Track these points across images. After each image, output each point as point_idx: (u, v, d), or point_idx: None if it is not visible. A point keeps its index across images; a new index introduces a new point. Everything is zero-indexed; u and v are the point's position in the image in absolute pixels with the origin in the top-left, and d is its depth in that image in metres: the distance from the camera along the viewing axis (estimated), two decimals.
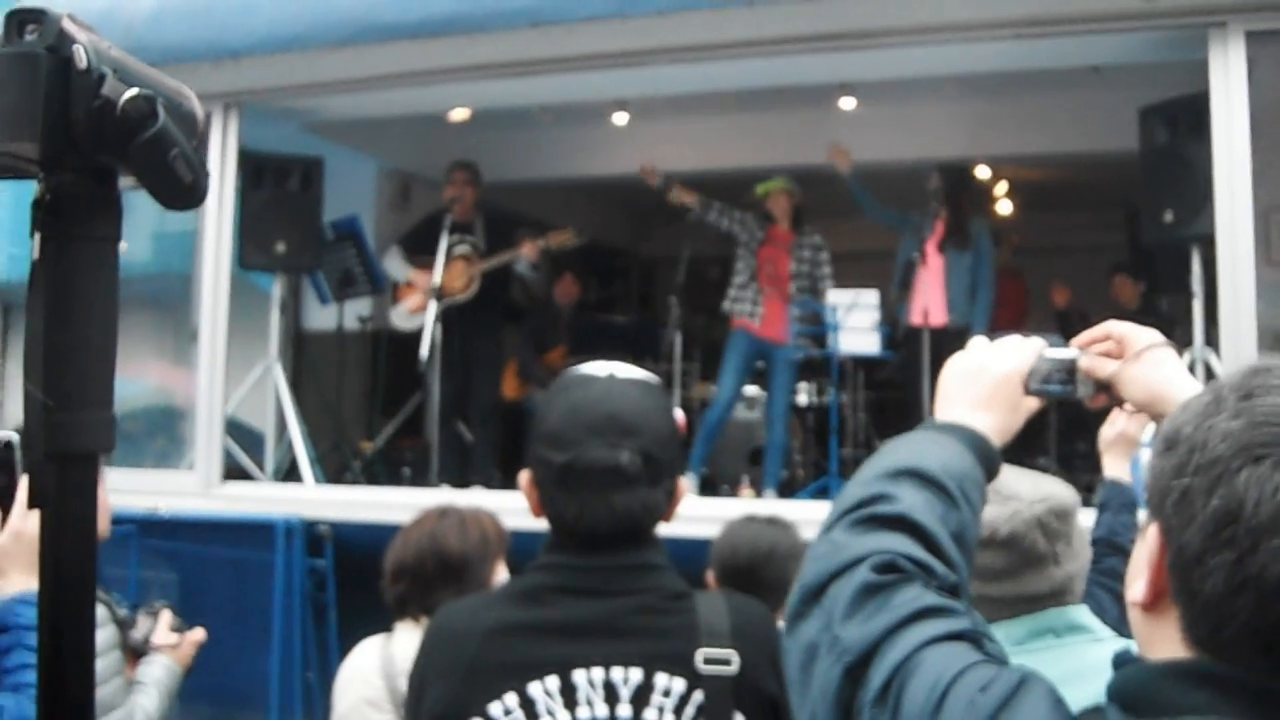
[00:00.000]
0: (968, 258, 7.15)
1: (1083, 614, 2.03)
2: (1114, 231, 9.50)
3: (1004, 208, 10.77)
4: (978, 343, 1.61)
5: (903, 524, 1.30)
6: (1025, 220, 10.65)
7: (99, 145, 0.97)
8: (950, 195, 7.22)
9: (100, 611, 2.88)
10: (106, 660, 2.86)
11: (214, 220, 6.96)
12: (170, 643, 3.11)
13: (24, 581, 2.40)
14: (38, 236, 1.00)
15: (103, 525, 3.17)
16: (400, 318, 7.88)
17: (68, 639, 1.02)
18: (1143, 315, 7.58)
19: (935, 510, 1.32)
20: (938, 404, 1.56)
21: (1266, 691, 1.00)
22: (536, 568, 1.96)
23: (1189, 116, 5.74)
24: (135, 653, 3.07)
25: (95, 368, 1.03)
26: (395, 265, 7.90)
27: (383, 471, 8.12)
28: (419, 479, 7.60)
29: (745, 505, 6.30)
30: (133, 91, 0.96)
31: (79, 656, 1.03)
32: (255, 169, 7.37)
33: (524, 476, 1.99)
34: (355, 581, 5.98)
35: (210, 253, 6.97)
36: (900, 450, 1.43)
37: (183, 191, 1.02)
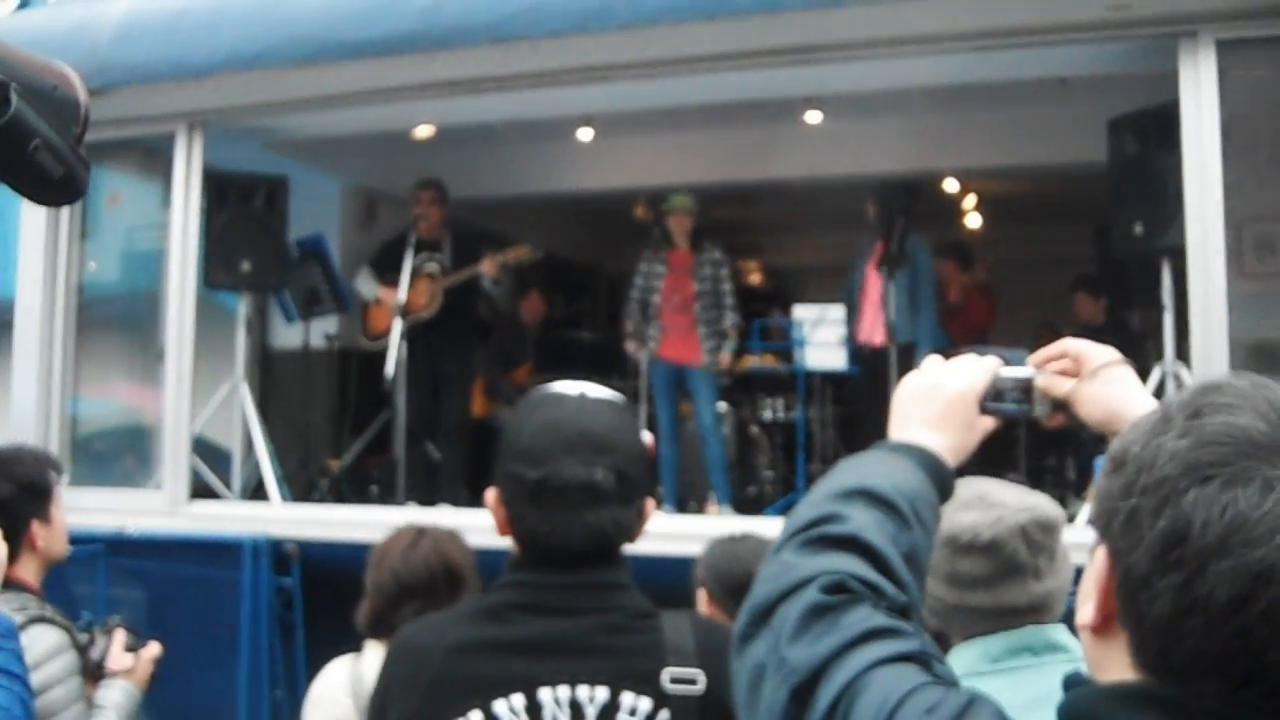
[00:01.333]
0: (904, 277, 7.10)
1: (1061, 633, 2.01)
2: (1084, 245, 9.52)
3: (973, 221, 10.79)
4: (932, 361, 1.60)
5: (853, 544, 1.28)
6: (994, 234, 10.68)
7: None
8: (884, 216, 7.19)
9: (59, 638, 2.85)
10: (67, 687, 2.84)
11: (179, 240, 6.93)
12: (125, 666, 3.07)
13: None
14: None
15: (60, 547, 3.14)
16: (368, 338, 7.83)
17: None
18: (1108, 330, 7.58)
19: (886, 530, 1.31)
20: (892, 423, 1.54)
21: (1215, 715, 0.98)
22: (502, 585, 1.96)
23: (1159, 127, 5.69)
24: (92, 674, 3.03)
25: None
26: (365, 285, 7.89)
27: (350, 490, 8.07)
28: (386, 497, 7.55)
29: (712, 522, 6.28)
30: None
31: None
32: (220, 188, 7.32)
33: (491, 494, 1.98)
34: (322, 600, 5.97)
35: (175, 272, 6.92)
36: (852, 470, 1.42)
37: (52, 185, 0.93)
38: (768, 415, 8.23)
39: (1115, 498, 1.05)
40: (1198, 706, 0.98)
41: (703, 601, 3.22)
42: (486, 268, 7.63)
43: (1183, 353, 5.60)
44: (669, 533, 5.21)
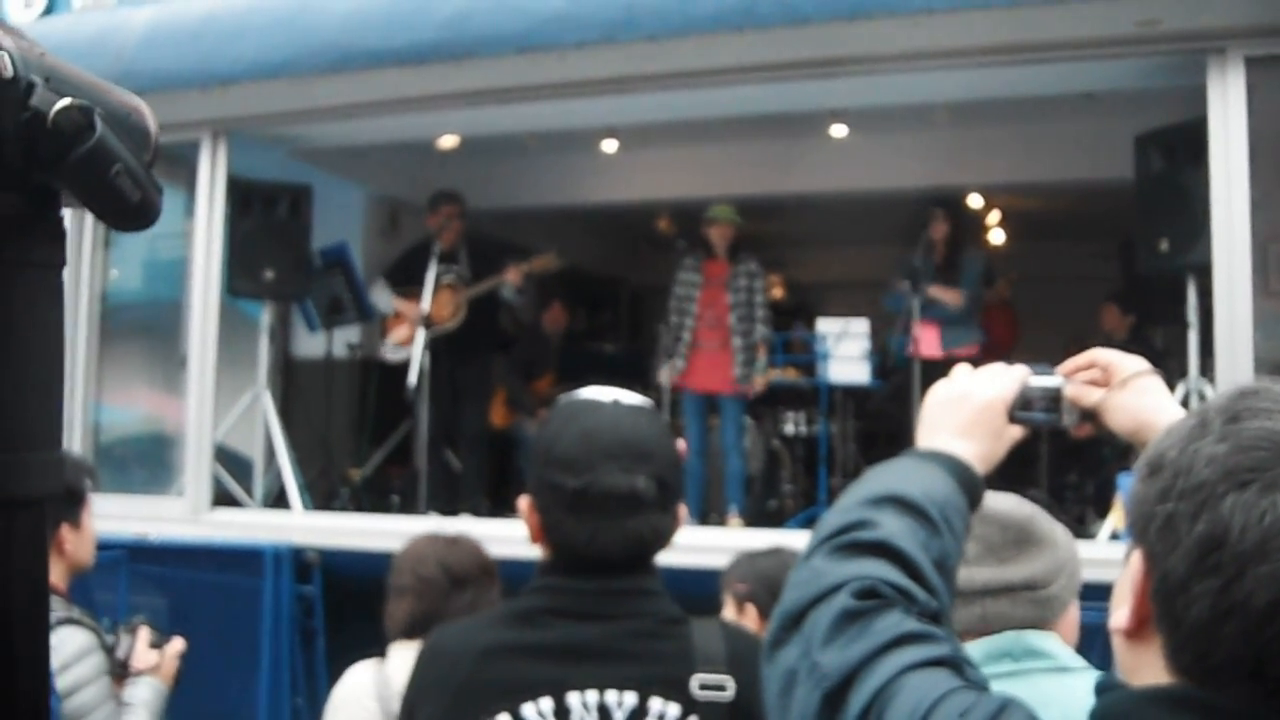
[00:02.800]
0: (958, 285, 7.15)
1: (1045, 640, 1.97)
2: (1108, 262, 9.48)
3: (997, 237, 10.75)
4: (961, 370, 1.59)
5: (883, 550, 1.28)
6: (1019, 250, 10.63)
7: (30, 162, 0.88)
8: (951, 231, 7.25)
9: (88, 639, 2.85)
10: (97, 687, 2.85)
11: (203, 248, 6.96)
12: (151, 663, 3.08)
13: None
14: None
15: (87, 554, 3.14)
16: (389, 350, 7.87)
17: (21, 703, 0.94)
18: (1132, 346, 7.51)
19: (917, 537, 1.31)
20: (920, 431, 1.54)
21: (1251, 718, 0.98)
22: (532, 590, 1.96)
23: (1186, 144, 5.66)
24: (117, 674, 3.04)
25: (40, 405, 0.94)
26: (382, 298, 7.91)
27: (370, 499, 8.07)
28: (407, 507, 7.55)
29: (734, 535, 6.27)
30: (66, 101, 0.88)
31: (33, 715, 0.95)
32: (244, 196, 7.35)
33: (524, 501, 1.98)
34: (343, 608, 5.99)
35: (199, 280, 6.96)
36: (882, 477, 1.42)
37: (130, 210, 0.94)
38: (790, 429, 8.20)
39: (1152, 502, 1.04)
40: (1234, 710, 0.98)
41: (751, 617, 3.21)
42: (511, 276, 7.65)
43: (1207, 370, 5.57)
44: (692, 545, 5.23)
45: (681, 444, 2.03)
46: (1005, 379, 1.56)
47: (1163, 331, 7.92)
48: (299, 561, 6.27)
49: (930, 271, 7.27)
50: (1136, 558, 1.07)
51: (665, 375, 7.50)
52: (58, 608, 2.86)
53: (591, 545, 1.88)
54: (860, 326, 7.05)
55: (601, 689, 1.83)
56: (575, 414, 1.96)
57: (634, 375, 8.53)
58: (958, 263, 7.23)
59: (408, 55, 5.98)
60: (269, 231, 7.37)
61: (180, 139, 7.00)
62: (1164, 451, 1.06)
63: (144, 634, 3.13)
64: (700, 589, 3.31)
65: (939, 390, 1.56)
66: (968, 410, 1.51)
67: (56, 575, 3.02)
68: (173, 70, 6.39)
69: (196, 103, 6.55)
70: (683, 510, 2.00)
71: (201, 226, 6.95)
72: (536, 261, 7.80)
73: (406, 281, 7.64)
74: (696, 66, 5.92)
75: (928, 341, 6.98)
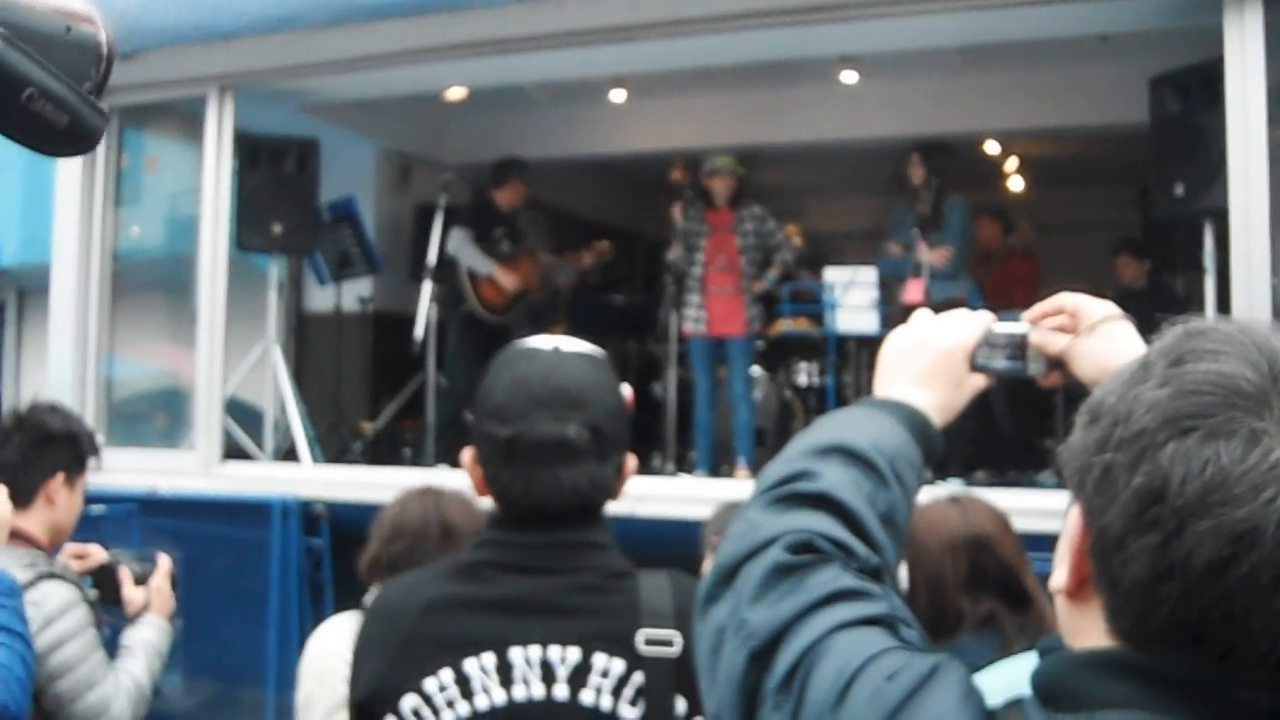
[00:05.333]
0: (942, 236, 7.07)
1: None
2: (1128, 209, 9.34)
3: (1015, 185, 10.63)
4: (921, 315, 1.52)
5: (824, 502, 1.22)
6: (1037, 197, 10.51)
7: None
8: (930, 178, 7.18)
9: (70, 593, 2.83)
10: (82, 640, 2.83)
11: (210, 203, 6.94)
12: (139, 602, 3.08)
13: None
14: None
15: (71, 518, 3.11)
16: (487, 310, 7.96)
17: None
18: (1149, 294, 7.43)
19: (861, 489, 1.24)
20: (877, 379, 1.47)
21: (1193, 685, 0.92)
22: (479, 544, 1.93)
23: (1202, 85, 5.53)
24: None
25: None
26: (471, 256, 7.87)
27: (384, 452, 8.08)
28: (418, 460, 7.55)
29: (743, 486, 6.22)
30: None
31: None
32: (251, 151, 7.34)
33: (466, 454, 1.94)
34: (352, 560, 5.98)
35: (207, 234, 6.95)
36: (830, 427, 1.36)
37: (54, 135, 0.86)
38: (802, 380, 8.14)
39: (1090, 452, 0.98)
40: (1176, 677, 0.92)
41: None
42: (586, 261, 8.28)
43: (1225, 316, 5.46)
44: (699, 496, 5.20)
45: (629, 391, 1.96)
46: (967, 326, 1.48)
47: (1183, 279, 7.81)
48: (307, 514, 6.29)
49: (911, 221, 7.19)
50: (1074, 513, 1.01)
51: (677, 324, 7.46)
52: (39, 562, 2.84)
53: (527, 496, 1.84)
54: (868, 275, 6.96)
55: (544, 644, 1.80)
56: (510, 362, 1.91)
57: (646, 326, 8.49)
58: (941, 210, 7.12)
59: (410, 7, 5.97)
60: (277, 186, 7.36)
61: (187, 94, 6.99)
62: (1104, 397, 1.00)
63: (125, 574, 3.11)
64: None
65: (897, 337, 1.49)
66: (926, 358, 1.44)
67: (39, 527, 3.00)
68: (177, 26, 6.38)
69: (201, 58, 6.54)
70: (631, 460, 1.95)
71: (209, 181, 6.93)
72: (599, 247, 8.38)
73: (483, 240, 7.85)
74: (700, 13, 5.85)
75: (912, 290, 6.90)
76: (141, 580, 3.14)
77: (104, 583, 3.08)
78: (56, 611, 2.79)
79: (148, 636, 3.06)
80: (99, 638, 2.94)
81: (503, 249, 7.90)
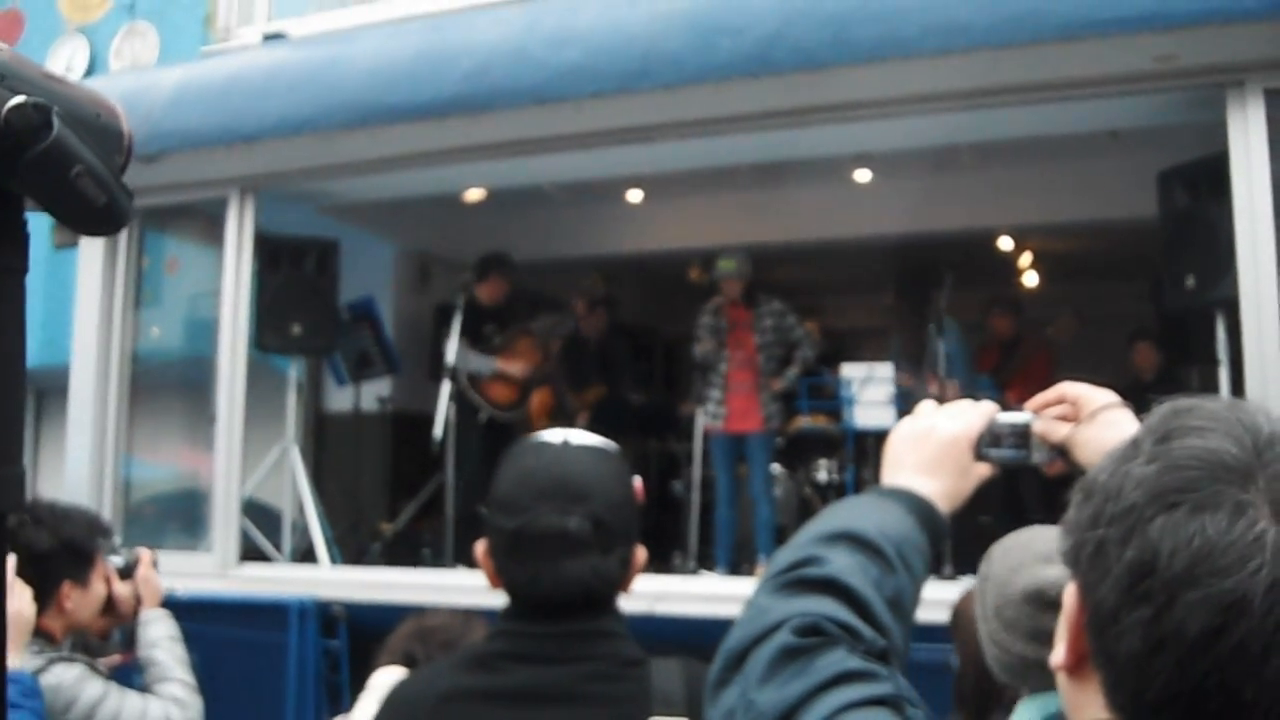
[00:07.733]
0: (942, 342, 7.14)
1: None
2: (1142, 302, 9.36)
3: (1030, 280, 10.67)
4: (926, 405, 1.56)
5: (831, 587, 1.24)
6: (1053, 292, 10.53)
7: None
8: (909, 297, 7.29)
9: (80, 670, 2.87)
10: (109, 689, 2.88)
11: (230, 303, 7.00)
12: (127, 595, 3.11)
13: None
14: None
15: (89, 615, 3.12)
16: (499, 409, 7.99)
17: None
18: (1160, 385, 7.43)
19: (868, 574, 1.27)
20: (884, 468, 1.51)
21: None
22: (492, 635, 1.95)
23: (1209, 178, 5.56)
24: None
25: None
26: (474, 360, 7.92)
27: (402, 553, 8.06)
28: (437, 560, 7.53)
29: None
30: (20, 99, 0.84)
31: None
32: (272, 252, 7.41)
33: (479, 546, 1.96)
34: (369, 663, 5.93)
35: (227, 335, 6.99)
36: (837, 514, 1.39)
37: (94, 214, 0.90)
38: (821, 477, 8.14)
39: (1083, 529, 1.00)
40: None
41: None
42: (580, 306, 8.34)
43: None
44: (720, 595, 5.18)
45: (639, 483, 1.98)
46: (971, 415, 1.52)
47: (1199, 371, 7.79)
48: (324, 616, 6.26)
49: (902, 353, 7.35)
50: (1071, 589, 1.03)
51: (702, 420, 7.49)
52: (47, 649, 2.87)
53: (533, 587, 1.86)
54: (885, 371, 6.99)
55: None
56: (519, 456, 1.95)
57: (665, 424, 8.50)
58: (937, 319, 7.18)
59: (429, 110, 6.04)
60: (297, 286, 7.42)
61: (209, 196, 7.09)
62: (1096, 475, 1.02)
63: (109, 570, 3.14)
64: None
65: (903, 426, 1.54)
66: (932, 446, 1.48)
67: (56, 626, 3.01)
68: (200, 129, 6.48)
69: (224, 160, 6.63)
70: (640, 552, 1.96)
71: (229, 282, 6.99)
72: (584, 284, 8.63)
73: (473, 344, 7.89)
74: (714, 114, 5.92)
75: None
76: (126, 574, 3.15)
77: None
78: (74, 686, 2.83)
79: (158, 634, 3.08)
80: (119, 689, 2.98)
81: (496, 343, 7.95)
